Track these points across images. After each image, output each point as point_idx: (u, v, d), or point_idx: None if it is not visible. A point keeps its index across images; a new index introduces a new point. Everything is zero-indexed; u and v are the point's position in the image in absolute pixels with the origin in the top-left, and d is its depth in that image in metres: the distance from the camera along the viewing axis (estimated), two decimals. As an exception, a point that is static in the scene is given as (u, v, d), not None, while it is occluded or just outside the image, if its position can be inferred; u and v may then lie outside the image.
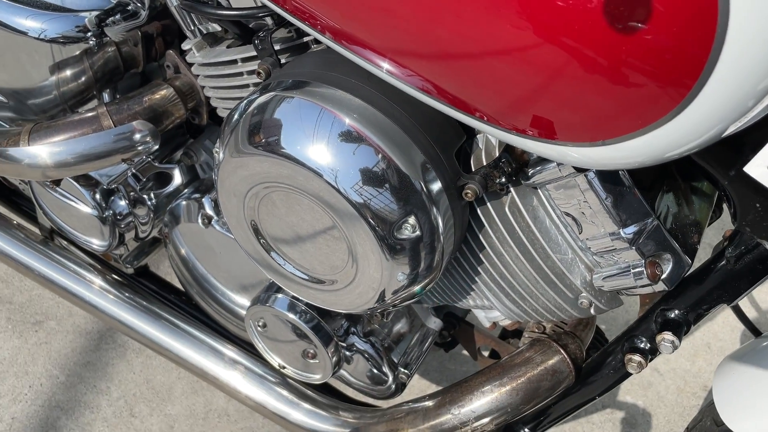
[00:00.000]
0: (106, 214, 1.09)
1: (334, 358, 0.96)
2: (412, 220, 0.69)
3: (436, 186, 0.70)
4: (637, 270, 0.71)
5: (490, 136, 0.73)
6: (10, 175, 1.02)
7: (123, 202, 1.10)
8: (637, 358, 0.79)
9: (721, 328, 1.75)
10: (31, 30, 0.97)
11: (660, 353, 0.78)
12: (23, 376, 1.49)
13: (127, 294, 1.21)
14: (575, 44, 0.49)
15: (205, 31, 0.93)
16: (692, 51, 0.45)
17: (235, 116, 0.75)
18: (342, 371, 1.05)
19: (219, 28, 0.92)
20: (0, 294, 1.64)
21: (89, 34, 0.97)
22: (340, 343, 0.97)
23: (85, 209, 1.10)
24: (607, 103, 0.51)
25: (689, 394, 1.61)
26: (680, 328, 0.76)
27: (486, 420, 0.86)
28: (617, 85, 0.49)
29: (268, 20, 0.82)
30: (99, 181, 1.08)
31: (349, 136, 0.69)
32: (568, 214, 0.73)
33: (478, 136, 0.75)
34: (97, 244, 1.15)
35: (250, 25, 0.88)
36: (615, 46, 0.47)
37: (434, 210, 0.70)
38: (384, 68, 0.63)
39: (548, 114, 0.56)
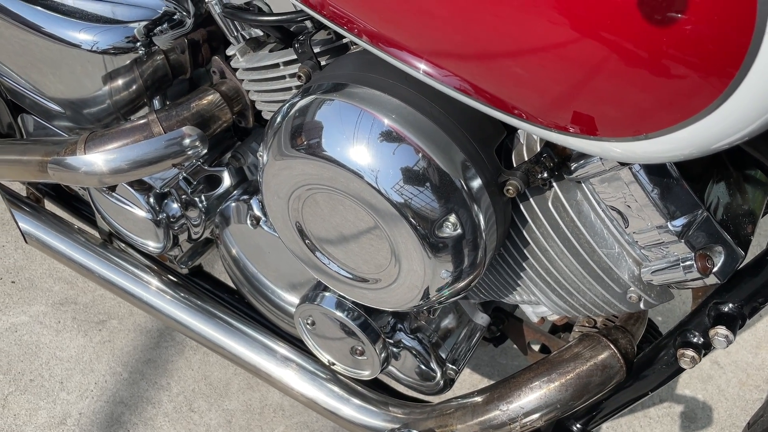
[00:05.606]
0: (160, 217, 1.13)
1: (382, 355, 0.97)
2: (453, 218, 0.69)
3: (477, 183, 0.70)
4: (687, 263, 0.69)
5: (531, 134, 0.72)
6: (68, 183, 1.06)
7: (176, 205, 1.13)
8: (690, 352, 0.77)
9: (785, 318, 1.68)
10: (84, 43, 1.01)
11: (714, 348, 0.76)
12: (89, 374, 1.56)
13: (182, 294, 1.25)
14: (612, 38, 0.48)
15: (248, 37, 0.94)
16: (733, 38, 0.44)
17: (277, 119, 0.77)
18: (390, 367, 1.05)
19: (261, 33, 0.94)
20: (65, 295, 1.71)
21: (138, 43, 1.01)
22: (387, 339, 0.98)
23: (140, 213, 1.14)
24: (648, 96, 0.50)
25: (752, 387, 1.56)
26: (734, 322, 0.73)
27: (535, 416, 0.85)
28: (658, 77, 0.48)
29: (308, 24, 0.83)
30: (152, 186, 1.12)
31: (388, 137, 0.69)
32: (613, 208, 0.71)
33: (518, 131, 0.74)
34: (152, 246, 1.19)
35: (291, 29, 0.89)
36: (653, 39, 0.46)
37: (475, 207, 0.70)
38: (421, 69, 0.63)
39: (588, 110, 0.55)
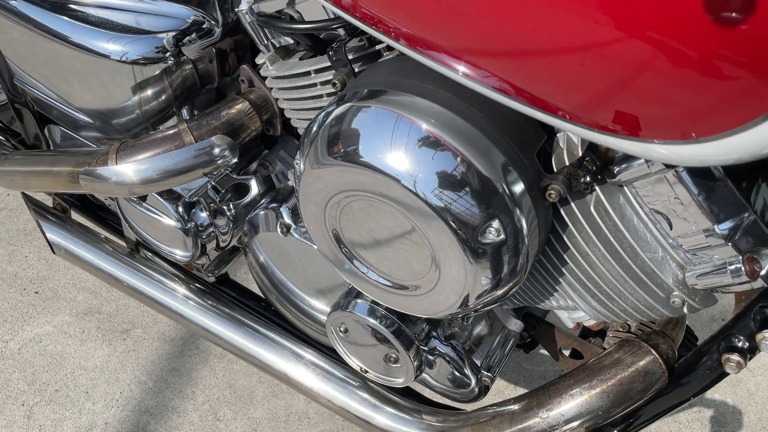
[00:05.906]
0: (189, 225, 1.13)
1: (416, 362, 0.96)
2: (496, 224, 0.68)
3: (519, 188, 0.69)
4: (734, 267, 0.68)
5: (572, 135, 0.71)
6: (99, 193, 1.07)
7: (204, 214, 1.13)
8: (735, 357, 0.75)
9: (815, 320, 1.66)
10: (113, 53, 1.01)
11: (760, 352, 0.75)
12: (114, 383, 1.56)
13: (209, 302, 1.24)
14: (674, 38, 0.47)
15: (277, 45, 0.94)
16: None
17: (314, 128, 0.76)
18: (424, 375, 1.05)
19: (291, 41, 0.93)
20: (89, 305, 1.72)
21: (167, 53, 1.01)
22: (421, 347, 0.97)
23: (169, 222, 1.14)
24: (704, 98, 0.49)
25: (783, 391, 1.54)
26: (782, 326, 0.72)
27: (576, 423, 0.84)
28: (717, 79, 0.47)
29: (341, 31, 0.83)
30: (181, 195, 1.12)
31: (427, 142, 0.69)
32: (657, 212, 0.70)
33: (558, 135, 0.73)
34: (180, 254, 1.19)
35: (322, 36, 0.89)
36: (717, 40, 0.45)
37: (518, 212, 0.69)
38: (460, 71, 0.62)
39: (636, 110, 0.54)
